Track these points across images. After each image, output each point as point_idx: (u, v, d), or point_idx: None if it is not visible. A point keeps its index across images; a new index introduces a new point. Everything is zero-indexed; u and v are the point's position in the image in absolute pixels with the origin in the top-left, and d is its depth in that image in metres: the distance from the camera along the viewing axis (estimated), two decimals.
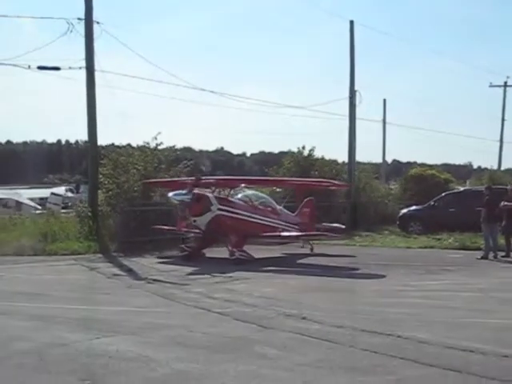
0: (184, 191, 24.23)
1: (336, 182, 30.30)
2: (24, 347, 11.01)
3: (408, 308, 14.97)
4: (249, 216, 25.64)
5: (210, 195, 24.94)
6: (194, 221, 24.69)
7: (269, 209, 27.18)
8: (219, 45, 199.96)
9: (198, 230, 25.32)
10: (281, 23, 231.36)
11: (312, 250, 27.59)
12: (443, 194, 37.96)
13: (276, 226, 26.39)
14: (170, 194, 24.86)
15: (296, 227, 27.27)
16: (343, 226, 30.69)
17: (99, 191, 29.88)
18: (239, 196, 27.07)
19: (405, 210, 38.68)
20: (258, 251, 25.20)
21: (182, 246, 25.69)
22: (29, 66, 29.42)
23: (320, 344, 11.20)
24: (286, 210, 28.35)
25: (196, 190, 24.40)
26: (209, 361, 10.08)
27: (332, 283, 19.29)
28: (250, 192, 28.25)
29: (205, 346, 11.02)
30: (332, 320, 13.03)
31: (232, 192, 26.77)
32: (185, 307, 14.99)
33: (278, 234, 25.91)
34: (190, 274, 20.68)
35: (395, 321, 13.21)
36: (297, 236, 27.06)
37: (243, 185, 28.76)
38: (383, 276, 19.97)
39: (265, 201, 27.89)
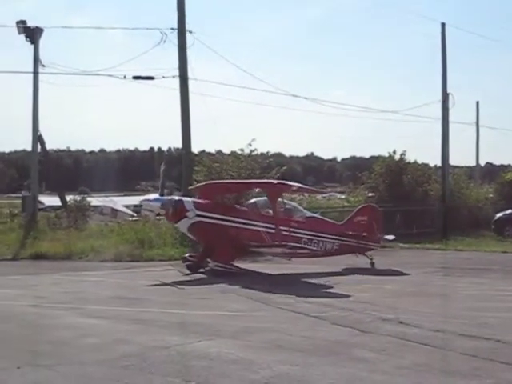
0: (163, 197, 23.70)
1: (298, 184, 25.81)
2: (128, 350, 11.34)
3: (505, 312, 14.88)
4: (246, 224, 22.84)
5: (185, 200, 23.14)
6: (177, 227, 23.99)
7: (292, 217, 24.04)
8: (306, 49, 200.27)
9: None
10: (368, 27, 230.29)
11: (373, 264, 24.28)
12: None
13: (289, 235, 22.69)
14: (152, 198, 24.45)
15: (336, 238, 24.26)
16: (391, 237, 26.85)
17: None
18: (250, 202, 25.05)
19: (500, 214, 38.14)
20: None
21: (185, 255, 23.90)
22: (124, 76, 30.40)
23: (418, 348, 11.23)
24: (325, 219, 25.61)
25: (170, 197, 23.81)
26: (309, 363, 10.21)
27: (428, 289, 19.20)
28: (263, 198, 25.22)
29: (304, 349, 11.16)
30: (429, 324, 13.03)
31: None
32: (281, 311, 15.17)
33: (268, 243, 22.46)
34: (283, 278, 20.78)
35: (493, 325, 13.16)
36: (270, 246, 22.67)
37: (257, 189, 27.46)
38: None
39: (290, 208, 24.80)
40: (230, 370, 9.87)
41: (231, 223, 22.87)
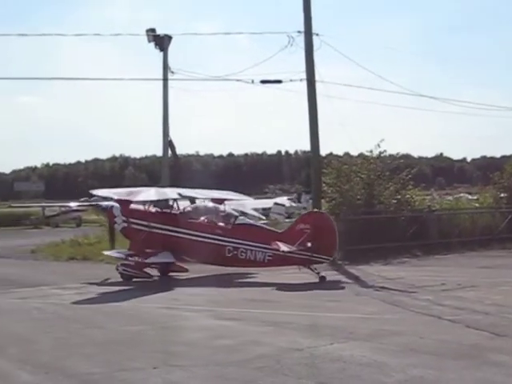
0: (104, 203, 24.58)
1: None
2: (262, 351, 11.52)
3: None
4: (166, 230, 23.26)
5: (115, 207, 23.82)
6: None
7: (221, 224, 23.23)
8: (430, 48, 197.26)
9: None
10: (492, 24, 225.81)
11: (322, 278, 21.03)
12: None
13: (211, 242, 22.55)
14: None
15: (268, 248, 21.65)
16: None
17: (322, 200, 30.26)
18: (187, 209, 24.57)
19: None
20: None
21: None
22: (252, 81, 30.55)
23: None
24: (261, 226, 23.78)
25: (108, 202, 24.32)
26: (443, 367, 10.07)
27: None
28: (202, 204, 25.28)
29: (438, 353, 11.02)
30: None
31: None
32: (414, 314, 15.02)
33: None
34: (417, 281, 20.51)
35: None
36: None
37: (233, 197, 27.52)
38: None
39: (230, 214, 23.83)
40: (364, 373, 9.87)
41: (155, 229, 23.27)
